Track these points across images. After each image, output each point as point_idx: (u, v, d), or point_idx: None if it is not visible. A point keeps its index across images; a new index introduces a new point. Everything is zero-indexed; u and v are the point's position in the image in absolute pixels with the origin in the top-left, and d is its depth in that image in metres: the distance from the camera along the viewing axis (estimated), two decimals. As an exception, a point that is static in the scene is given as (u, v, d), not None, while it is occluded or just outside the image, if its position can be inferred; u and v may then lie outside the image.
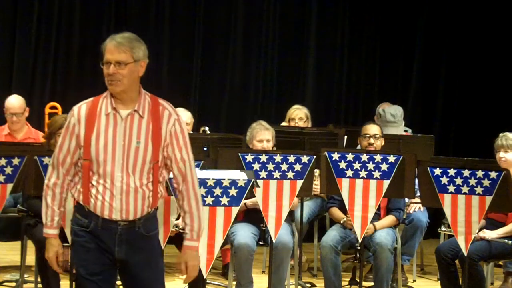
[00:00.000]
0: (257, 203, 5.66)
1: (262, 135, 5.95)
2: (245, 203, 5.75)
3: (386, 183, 5.56)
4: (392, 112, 7.14)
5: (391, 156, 5.59)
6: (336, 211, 6.13)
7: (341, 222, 6.01)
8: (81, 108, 3.76)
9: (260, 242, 5.87)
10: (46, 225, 3.92)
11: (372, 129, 6.22)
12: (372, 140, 6.16)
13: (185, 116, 7.13)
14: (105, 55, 3.73)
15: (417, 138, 7.21)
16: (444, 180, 5.38)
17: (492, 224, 5.83)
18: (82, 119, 3.73)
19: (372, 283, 6.16)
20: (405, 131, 7.54)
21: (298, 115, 7.41)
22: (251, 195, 5.39)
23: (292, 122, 7.38)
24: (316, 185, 6.12)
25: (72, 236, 3.87)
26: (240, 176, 5.00)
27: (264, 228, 5.79)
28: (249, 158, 5.47)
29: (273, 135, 6.03)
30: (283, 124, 7.49)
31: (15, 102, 7.10)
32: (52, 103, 8.06)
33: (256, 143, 5.97)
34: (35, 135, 7.15)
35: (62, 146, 3.77)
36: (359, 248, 5.80)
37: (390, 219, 6.03)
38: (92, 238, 3.77)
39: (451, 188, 5.38)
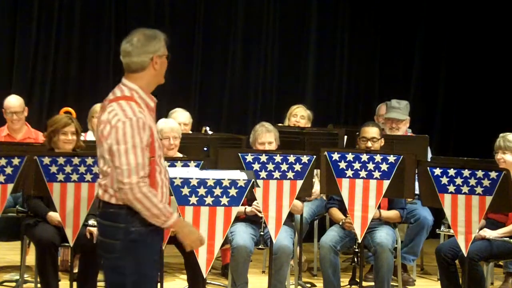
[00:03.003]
0: (257, 212, 5.67)
1: (264, 137, 5.93)
2: (245, 209, 5.77)
3: (386, 183, 5.56)
4: (398, 101, 7.20)
5: (391, 156, 5.59)
6: (335, 212, 6.12)
7: (340, 223, 5.99)
8: (135, 106, 3.67)
9: (260, 246, 5.85)
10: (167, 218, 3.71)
11: (370, 131, 6.17)
12: (369, 144, 6.11)
13: (184, 116, 7.13)
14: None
15: (412, 138, 7.20)
16: (444, 180, 5.38)
17: (492, 224, 5.82)
18: (147, 116, 3.69)
19: (372, 283, 6.16)
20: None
21: (300, 113, 7.42)
22: (251, 195, 5.39)
23: (292, 118, 7.37)
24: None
25: (145, 238, 3.71)
26: (240, 176, 5.00)
27: (262, 234, 5.77)
28: (249, 158, 5.48)
29: (276, 136, 6.00)
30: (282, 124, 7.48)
31: (15, 101, 7.11)
32: (66, 108, 7.92)
33: (258, 146, 5.93)
34: (35, 135, 7.15)
35: (141, 147, 3.63)
36: (357, 250, 5.79)
37: (394, 212, 6.01)
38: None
39: (451, 188, 5.38)
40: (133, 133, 3.59)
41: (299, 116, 7.40)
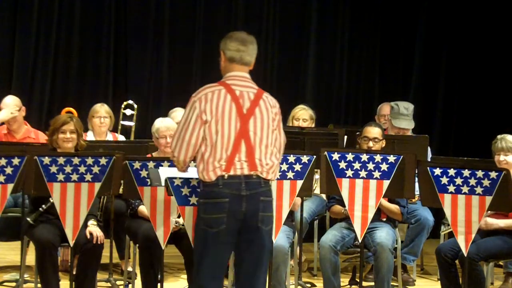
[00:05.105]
0: None
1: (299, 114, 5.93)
2: None
3: (386, 183, 5.56)
4: (405, 105, 7.16)
5: (391, 156, 5.58)
6: (336, 207, 6.10)
7: (343, 211, 5.95)
8: None
9: None
10: None
11: (372, 132, 6.13)
12: (371, 144, 6.07)
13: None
14: None
15: (412, 138, 7.20)
16: (444, 180, 5.38)
17: (492, 224, 5.83)
18: None
19: (372, 283, 6.16)
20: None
21: (303, 116, 7.35)
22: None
23: (295, 122, 7.34)
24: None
25: None
26: (240, 176, 4.98)
27: None
28: (249, 158, 5.46)
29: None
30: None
31: (10, 101, 7.08)
32: (67, 108, 7.90)
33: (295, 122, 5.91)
34: (35, 135, 7.15)
35: None
36: (357, 245, 5.78)
37: (395, 206, 5.99)
38: None
39: (451, 188, 5.38)
40: None
41: (302, 119, 7.35)
